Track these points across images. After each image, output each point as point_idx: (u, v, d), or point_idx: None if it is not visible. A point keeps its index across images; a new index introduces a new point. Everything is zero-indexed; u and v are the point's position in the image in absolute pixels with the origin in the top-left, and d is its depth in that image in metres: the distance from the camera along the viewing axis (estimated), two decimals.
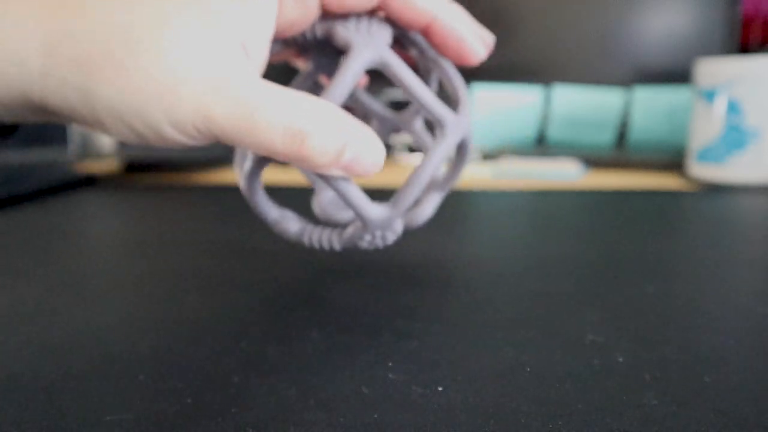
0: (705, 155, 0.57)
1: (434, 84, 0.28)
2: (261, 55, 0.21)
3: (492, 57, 0.81)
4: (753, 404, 0.17)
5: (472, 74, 0.81)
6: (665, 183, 0.58)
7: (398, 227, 0.24)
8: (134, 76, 0.19)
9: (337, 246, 0.25)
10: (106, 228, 0.40)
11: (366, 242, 0.25)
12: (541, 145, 0.77)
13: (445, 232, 0.37)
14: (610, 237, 0.37)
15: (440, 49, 0.25)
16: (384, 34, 0.23)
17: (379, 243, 0.25)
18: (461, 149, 0.26)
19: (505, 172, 0.63)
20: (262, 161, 0.23)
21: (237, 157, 0.26)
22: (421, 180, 0.23)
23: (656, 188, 0.55)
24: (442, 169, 0.26)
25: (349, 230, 0.25)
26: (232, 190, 0.55)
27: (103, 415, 0.17)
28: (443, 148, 0.23)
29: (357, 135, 0.20)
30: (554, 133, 0.80)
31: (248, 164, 0.23)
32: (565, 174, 0.62)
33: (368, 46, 0.23)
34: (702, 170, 0.57)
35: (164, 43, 0.19)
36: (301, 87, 0.29)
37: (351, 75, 0.22)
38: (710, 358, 0.20)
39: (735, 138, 0.55)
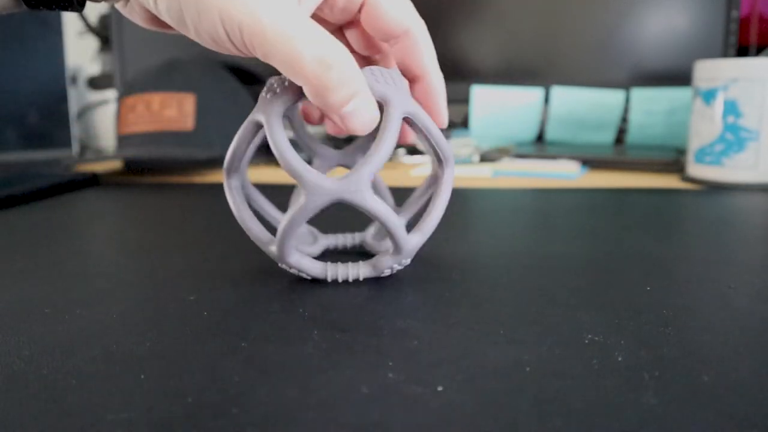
0: (703, 156, 0.57)
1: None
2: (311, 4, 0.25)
3: (492, 58, 0.81)
4: (752, 404, 0.17)
5: (472, 75, 0.81)
6: (664, 183, 0.58)
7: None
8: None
9: (361, 277, 0.28)
10: (108, 227, 0.40)
11: (390, 269, 0.28)
12: (540, 146, 0.77)
13: (445, 231, 0.37)
14: (610, 236, 0.37)
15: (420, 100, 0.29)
16: (405, 84, 0.26)
17: (399, 268, 0.28)
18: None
19: (504, 171, 0.63)
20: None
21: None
22: (441, 208, 0.27)
23: (655, 188, 0.55)
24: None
25: (383, 260, 0.28)
26: None
27: (104, 414, 0.17)
28: (451, 178, 0.28)
29: (365, 89, 0.24)
30: (554, 133, 0.80)
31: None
32: (564, 174, 0.62)
33: (401, 99, 0.25)
34: (700, 170, 0.58)
35: None
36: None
37: (396, 126, 0.25)
38: (709, 357, 0.20)
39: (733, 138, 0.55)
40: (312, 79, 0.23)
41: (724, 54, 0.74)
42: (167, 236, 0.37)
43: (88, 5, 0.25)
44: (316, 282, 0.28)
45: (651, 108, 0.75)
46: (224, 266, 0.31)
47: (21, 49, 0.89)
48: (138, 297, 0.26)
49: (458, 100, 0.81)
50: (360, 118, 0.24)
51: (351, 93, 0.23)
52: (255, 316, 0.24)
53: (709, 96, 0.56)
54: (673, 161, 0.64)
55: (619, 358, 0.20)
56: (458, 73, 0.81)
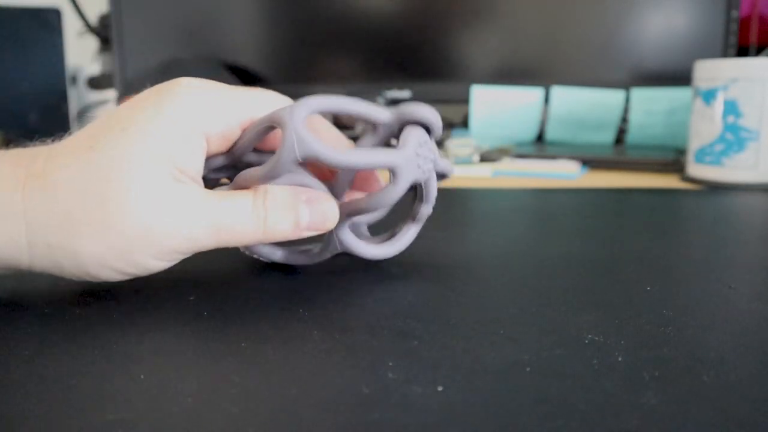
0: (703, 156, 0.57)
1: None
2: (199, 173, 0.25)
3: (492, 58, 0.81)
4: (753, 404, 0.17)
5: (472, 75, 0.81)
6: (664, 183, 0.58)
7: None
8: (112, 230, 0.22)
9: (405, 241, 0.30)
10: None
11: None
12: (540, 146, 0.77)
13: (445, 231, 0.37)
14: (610, 236, 0.37)
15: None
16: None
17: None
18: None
19: (504, 171, 0.63)
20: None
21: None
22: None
23: (655, 188, 0.55)
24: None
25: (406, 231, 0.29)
26: None
27: (104, 414, 0.17)
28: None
29: (304, 204, 0.25)
30: (554, 133, 0.80)
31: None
32: (564, 174, 0.62)
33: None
34: (700, 170, 0.58)
35: (130, 200, 0.22)
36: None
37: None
38: (710, 357, 0.20)
39: (733, 138, 0.55)
40: (261, 236, 0.24)
41: (724, 54, 0.74)
42: None
43: None
44: (316, 282, 0.28)
45: (651, 108, 0.75)
46: (224, 266, 0.31)
47: (21, 49, 0.89)
48: (138, 297, 0.26)
49: (458, 100, 0.81)
50: (321, 222, 0.25)
51: (294, 219, 0.24)
52: (255, 316, 0.24)
53: (709, 96, 0.56)
54: (673, 161, 0.64)
55: (619, 358, 0.20)
56: (458, 73, 0.81)
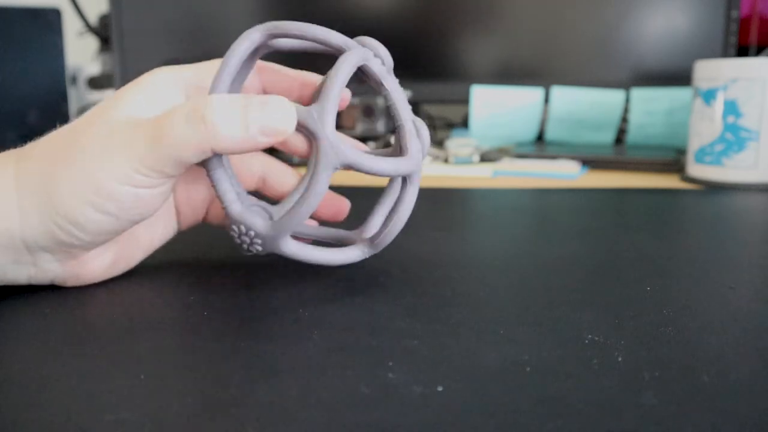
0: (703, 155, 0.57)
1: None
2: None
3: (492, 58, 0.81)
4: (752, 404, 0.17)
5: (472, 75, 0.81)
6: (664, 183, 0.58)
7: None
8: (76, 157, 0.24)
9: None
10: None
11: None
12: (540, 145, 0.77)
13: (445, 232, 0.37)
14: (610, 236, 0.37)
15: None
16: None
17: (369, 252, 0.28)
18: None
19: (504, 171, 0.63)
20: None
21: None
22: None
23: (655, 188, 0.55)
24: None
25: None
26: None
27: (103, 414, 0.17)
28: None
29: (254, 104, 0.23)
30: (554, 133, 0.80)
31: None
32: (564, 174, 0.62)
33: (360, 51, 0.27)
34: (700, 170, 0.58)
35: (87, 134, 0.24)
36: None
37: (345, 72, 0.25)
38: (709, 357, 0.20)
39: (733, 138, 0.55)
40: (204, 139, 0.23)
41: (724, 54, 0.74)
42: None
43: None
44: (316, 281, 0.28)
45: (651, 108, 0.75)
46: (224, 266, 0.31)
47: (21, 49, 0.89)
48: (138, 297, 0.26)
49: (458, 100, 0.81)
50: (274, 128, 0.23)
51: (241, 119, 0.23)
52: (255, 316, 0.24)
53: (709, 96, 0.56)
54: (673, 161, 0.64)
55: (619, 358, 0.20)
56: (458, 73, 0.81)
